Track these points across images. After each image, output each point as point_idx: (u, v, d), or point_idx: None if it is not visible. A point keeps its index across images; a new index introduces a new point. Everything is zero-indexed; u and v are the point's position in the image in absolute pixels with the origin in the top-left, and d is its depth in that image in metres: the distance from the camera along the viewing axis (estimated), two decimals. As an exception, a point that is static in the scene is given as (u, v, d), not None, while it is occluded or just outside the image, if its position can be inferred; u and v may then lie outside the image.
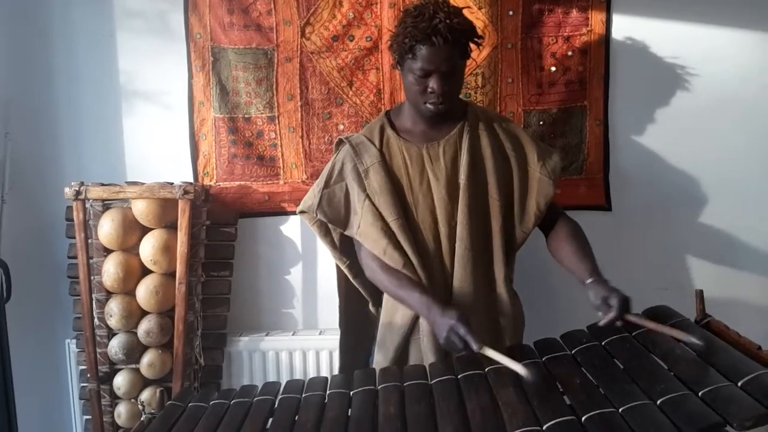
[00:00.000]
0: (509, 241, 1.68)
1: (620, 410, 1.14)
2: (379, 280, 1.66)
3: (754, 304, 2.20)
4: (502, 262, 1.66)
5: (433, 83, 1.56)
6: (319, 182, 1.74)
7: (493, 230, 1.65)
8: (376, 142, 1.68)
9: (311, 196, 1.74)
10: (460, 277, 1.62)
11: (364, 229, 1.65)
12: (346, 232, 1.71)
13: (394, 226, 1.61)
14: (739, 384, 1.13)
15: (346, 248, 1.77)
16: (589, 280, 1.51)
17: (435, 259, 1.64)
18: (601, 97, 2.19)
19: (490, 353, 1.36)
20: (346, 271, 1.81)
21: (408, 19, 1.56)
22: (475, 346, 1.38)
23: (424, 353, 1.63)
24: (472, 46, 1.61)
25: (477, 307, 1.63)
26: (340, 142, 1.76)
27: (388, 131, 1.70)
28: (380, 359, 1.71)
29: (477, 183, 1.64)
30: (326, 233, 1.76)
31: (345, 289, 1.87)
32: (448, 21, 1.51)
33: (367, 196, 1.64)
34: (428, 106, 1.60)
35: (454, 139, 1.66)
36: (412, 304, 1.60)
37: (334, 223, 1.70)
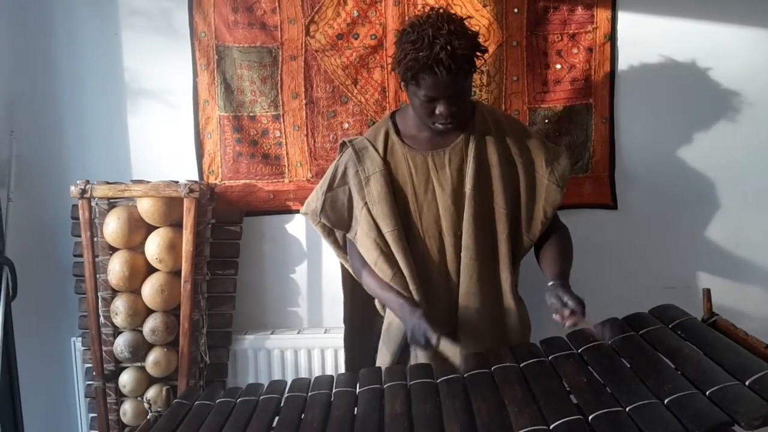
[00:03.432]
0: (515, 248, 1.67)
1: (627, 409, 1.14)
2: (364, 281, 1.69)
3: (762, 302, 2.19)
4: (508, 270, 1.65)
5: (440, 108, 1.53)
6: (322, 185, 1.74)
7: (499, 238, 1.64)
8: (380, 149, 1.67)
9: (314, 199, 1.74)
10: (466, 286, 1.62)
11: (360, 237, 1.66)
12: (348, 235, 1.71)
13: (390, 237, 1.61)
14: (747, 383, 1.13)
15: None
16: (551, 283, 1.53)
17: (439, 269, 1.64)
18: (606, 95, 2.18)
19: (443, 345, 1.40)
20: (349, 269, 1.81)
21: (407, 45, 1.48)
22: (432, 339, 1.42)
23: (414, 359, 1.64)
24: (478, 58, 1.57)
25: (483, 316, 1.63)
26: (344, 145, 1.75)
27: (393, 137, 1.68)
28: (382, 359, 1.72)
29: (483, 192, 1.63)
30: (329, 233, 1.77)
31: (350, 285, 1.87)
32: (449, 48, 1.44)
33: (365, 204, 1.64)
34: (437, 125, 1.58)
35: (460, 146, 1.64)
36: (389, 305, 1.64)
37: (336, 226, 1.71)
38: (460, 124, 1.61)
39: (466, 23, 1.55)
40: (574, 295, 1.45)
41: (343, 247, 1.79)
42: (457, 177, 1.63)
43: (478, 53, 1.54)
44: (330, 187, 1.71)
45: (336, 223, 1.70)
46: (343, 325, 1.93)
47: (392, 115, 1.74)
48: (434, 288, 1.63)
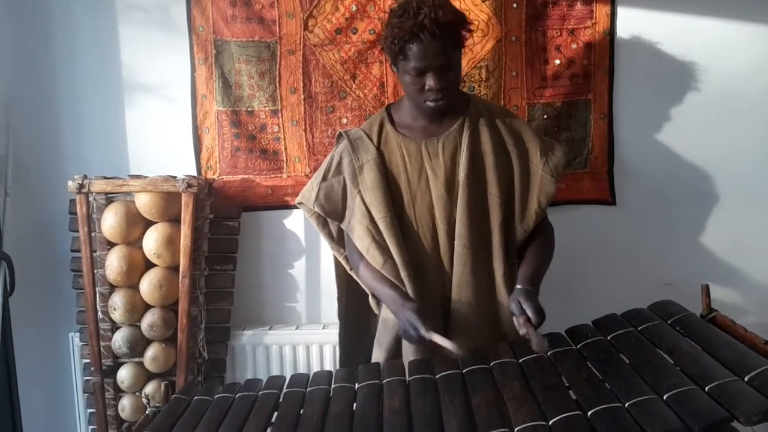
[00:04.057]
0: (508, 238, 1.66)
1: (626, 405, 1.14)
2: (361, 275, 1.69)
3: (761, 298, 2.20)
4: (502, 259, 1.64)
5: (429, 80, 1.53)
6: (318, 175, 1.74)
7: (493, 227, 1.64)
8: (375, 139, 1.68)
9: (309, 189, 1.74)
10: (459, 274, 1.62)
11: (353, 225, 1.67)
12: (341, 225, 1.72)
13: (382, 224, 1.61)
14: (746, 379, 1.13)
15: (344, 239, 1.78)
16: (519, 286, 1.52)
17: (432, 256, 1.64)
18: (605, 90, 2.18)
19: (435, 338, 1.41)
20: (343, 262, 1.82)
21: (394, 20, 1.53)
22: (423, 332, 1.43)
23: (408, 354, 1.63)
24: (466, 34, 1.58)
25: (476, 306, 1.62)
26: (340, 136, 1.76)
27: (387, 127, 1.69)
28: (377, 355, 1.72)
29: (476, 180, 1.62)
30: (324, 224, 1.78)
31: (345, 280, 1.87)
32: (433, 15, 1.48)
33: (359, 192, 1.65)
34: (429, 103, 1.58)
35: (454, 135, 1.64)
36: (382, 298, 1.64)
37: (330, 216, 1.71)
38: (451, 103, 1.60)
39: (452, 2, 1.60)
40: (535, 305, 1.44)
41: (337, 240, 1.79)
42: (450, 165, 1.63)
43: (464, 28, 1.56)
44: (325, 177, 1.71)
45: (330, 212, 1.70)
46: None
47: (388, 107, 1.76)
48: (428, 278, 1.63)
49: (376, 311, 1.80)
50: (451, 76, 1.56)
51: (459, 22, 1.54)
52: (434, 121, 1.66)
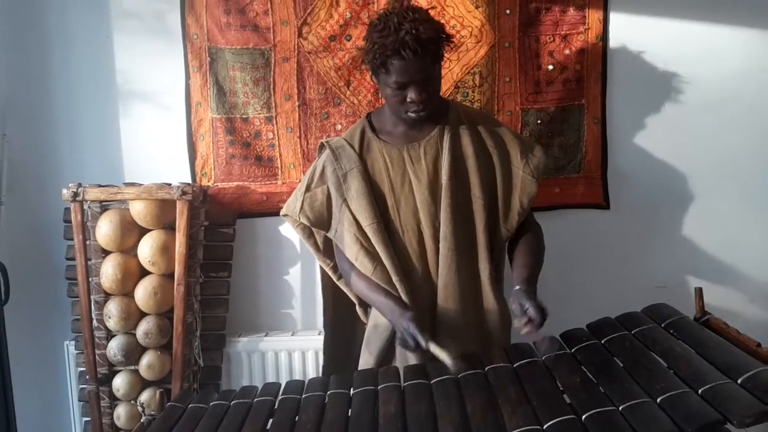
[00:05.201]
0: (493, 239, 1.67)
1: (620, 408, 1.14)
2: (354, 284, 1.69)
3: (753, 301, 2.20)
4: (487, 261, 1.65)
5: (411, 94, 1.55)
6: (301, 186, 1.75)
7: (477, 229, 1.65)
8: (356, 146, 1.69)
9: (293, 201, 1.75)
10: (445, 276, 1.62)
11: (340, 233, 1.67)
12: (328, 234, 1.72)
13: (370, 230, 1.62)
14: (739, 381, 1.13)
15: (330, 250, 1.78)
16: (517, 287, 1.53)
17: (419, 261, 1.64)
18: (598, 95, 2.19)
19: (433, 348, 1.42)
20: (330, 273, 1.83)
21: (374, 34, 1.54)
22: (422, 342, 1.43)
23: (400, 358, 1.64)
24: (446, 45, 1.60)
25: (462, 306, 1.63)
26: (322, 146, 1.77)
27: (369, 134, 1.70)
28: (365, 361, 1.72)
29: (459, 182, 1.64)
30: (309, 235, 1.78)
31: (331, 290, 1.88)
32: (414, 32, 1.48)
33: (344, 200, 1.66)
34: (410, 114, 1.60)
35: (435, 139, 1.66)
36: (378, 307, 1.63)
37: (316, 226, 1.72)
38: (431, 113, 1.62)
39: (431, 14, 1.62)
40: (536, 304, 1.45)
41: (323, 251, 1.80)
42: (432, 169, 1.64)
43: (444, 40, 1.57)
44: (308, 188, 1.72)
45: (316, 222, 1.71)
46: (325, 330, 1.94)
47: (368, 116, 1.77)
48: (415, 282, 1.63)
49: (363, 320, 1.80)
50: (431, 88, 1.59)
51: (440, 38, 1.56)
52: (415, 127, 1.67)
